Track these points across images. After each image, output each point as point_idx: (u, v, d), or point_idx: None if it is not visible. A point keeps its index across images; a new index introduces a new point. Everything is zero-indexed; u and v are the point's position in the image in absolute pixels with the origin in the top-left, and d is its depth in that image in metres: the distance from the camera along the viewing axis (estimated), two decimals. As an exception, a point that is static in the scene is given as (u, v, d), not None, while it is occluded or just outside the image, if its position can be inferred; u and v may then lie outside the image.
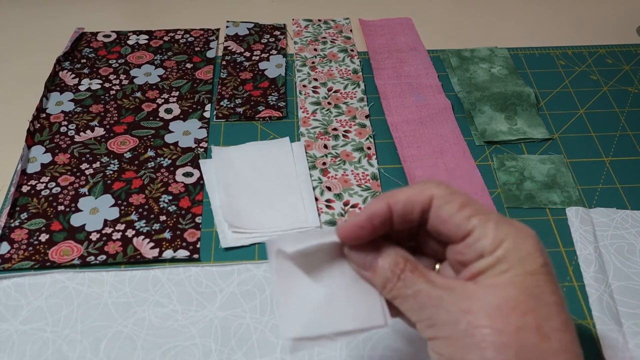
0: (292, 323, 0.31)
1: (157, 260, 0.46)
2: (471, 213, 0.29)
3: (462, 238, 0.29)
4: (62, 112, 0.58)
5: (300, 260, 0.32)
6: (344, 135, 0.56)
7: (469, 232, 0.28)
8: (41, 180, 0.51)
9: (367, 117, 0.58)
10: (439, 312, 0.28)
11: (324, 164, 0.53)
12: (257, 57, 0.65)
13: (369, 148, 0.55)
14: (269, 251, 0.32)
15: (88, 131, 0.56)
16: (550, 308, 0.27)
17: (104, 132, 0.56)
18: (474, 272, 0.28)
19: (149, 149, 0.54)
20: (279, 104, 0.59)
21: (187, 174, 0.52)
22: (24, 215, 0.48)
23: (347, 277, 0.32)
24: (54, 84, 0.61)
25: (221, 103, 0.59)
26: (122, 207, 0.49)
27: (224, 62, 0.64)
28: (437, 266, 0.32)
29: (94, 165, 0.53)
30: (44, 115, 0.57)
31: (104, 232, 0.47)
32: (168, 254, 0.46)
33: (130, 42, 0.67)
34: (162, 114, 0.58)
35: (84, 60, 0.64)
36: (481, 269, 0.28)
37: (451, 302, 0.27)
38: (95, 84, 0.61)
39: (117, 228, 0.48)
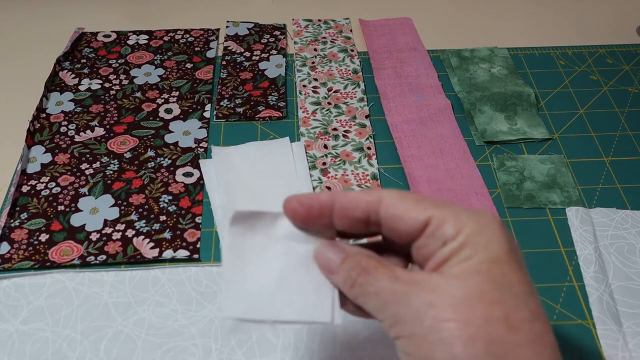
0: (235, 302, 0.30)
1: (157, 260, 0.46)
2: (427, 204, 0.28)
3: (421, 230, 0.28)
4: (62, 112, 0.58)
5: (252, 240, 0.31)
6: (344, 135, 0.56)
7: (428, 221, 0.27)
8: (41, 180, 0.51)
9: (367, 117, 0.58)
10: (403, 309, 0.26)
11: (324, 164, 0.53)
12: (257, 57, 0.65)
13: (369, 148, 0.55)
14: (226, 226, 0.30)
15: (88, 131, 0.56)
16: (518, 298, 0.25)
17: (104, 132, 0.56)
18: (438, 262, 0.27)
19: (149, 149, 0.54)
20: (279, 104, 0.59)
21: (187, 174, 0.52)
22: (24, 215, 0.48)
23: (302, 268, 0.31)
24: (54, 84, 0.61)
25: (221, 103, 0.59)
26: (122, 207, 0.49)
27: (224, 62, 0.64)
28: (410, 265, 0.30)
29: (94, 165, 0.53)
30: (44, 115, 0.57)
31: (104, 232, 0.47)
32: (168, 254, 0.46)
33: (130, 42, 0.67)
34: (162, 114, 0.58)
35: (84, 60, 0.64)
36: (445, 256, 0.27)
37: (415, 297, 0.26)
38: (95, 84, 0.61)
39: (117, 228, 0.48)
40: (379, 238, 0.32)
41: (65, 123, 0.57)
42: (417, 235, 0.28)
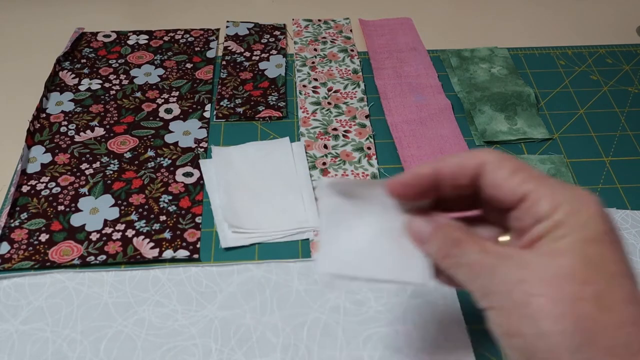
0: (330, 260, 0.32)
1: (157, 260, 0.46)
2: (525, 176, 0.28)
3: (517, 203, 0.28)
4: (62, 112, 0.58)
5: (347, 206, 0.33)
6: (344, 135, 0.56)
7: (524, 195, 0.27)
8: (41, 180, 0.51)
9: (367, 117, 0.58)
10: (493, 281, 0.27)
11: (324, 164, 0.53)
12: (257, 57, 0.65)
13: (369, 148, 0.55)
14: (319, 190, 0.33)
15: (88, 131, 0.56)
16: (614, 278, 0.25)
17: (104, 132, 0.56)
18: (532, 239, 0.27)
19: (149, 149, 0.54)
20: (279, 104, 0.59)
21: (187, 174, 0.52)
22: (24, 215, 0.48)
23: (396, 234, 0.32)
24: (54, 84, 0.61)
25: (221, 103, 0.59)
26: (122, 207, 0.49)
27: (224, 62, 0.64)
28: (503, 238, 0.31)
29: (94, 165, 0.53)
30: (44, 115, 0.57)
31: (104, 232, 0.47)
32: (168, 254, 0.46)
33: (130, 42, 0.67)
34: (162, 114, 0.58)
35: (84, 60, 0.64)
36: (539, 234, 0.27)
37: (505, 271, 0.26)
38: (95, 84, 0.61)
39: (117, 228, 0.48)
40: (474, 213, 0.32)
41: (65, 123, 0.57)
42: (514, 207, 0.28)
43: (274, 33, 0.69)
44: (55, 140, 0.55)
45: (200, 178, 0.52)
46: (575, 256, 0.25)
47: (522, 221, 0.28)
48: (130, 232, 0.47)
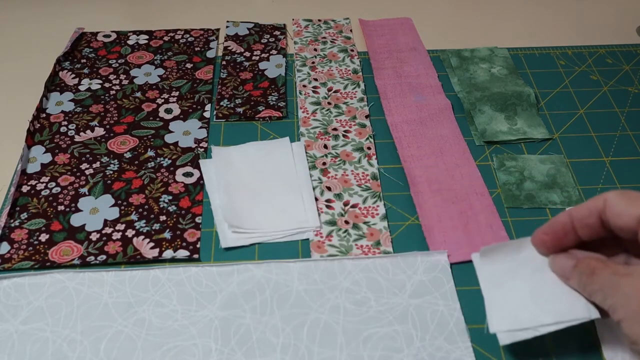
0: (501, 319, 0.37)
1: (157, 260, 0.46)
2: None
3: (637, 226, 0.32)
4: (62, 112, 0.58)
5: (502, 268, 0.39)
6: (344, 135, 0.56)
7: (639, 217, 0.32)
8: (41, 180, 0.51)
9: (367, 117, 0.58)
10: (619, 296, 0.31)
11: (324, 164, 0.53)
12: (257, 57, 0.65)
13: (369, 148, 0.55)
14: (475, 261, 0.40)
15: (88, 131, 0.56)
16: None
17: (104, 132, 0.56)
18: None
19: (149, 149, 0.54)
20: (279, 104, 0.59)
21: (187, 174, 0.52)
22: (24, 215, 0.48)
23: (549, 280, 0.38)
24: (54, 84, 0.61)
25: (221, 103, 0.59)
26: (122, 207, 0.49)
27: (224, 62, 0.64)
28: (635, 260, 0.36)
29: (94, 165, 0.53)
30: (44, 115, 0.57)
31: (104, 232, 0.47)
32: (168, 254, 0.46)
33: (130, 42, 0.67)
34: (162, 114, 0.58)
35: (84, 60, 0.64)
36: None
37: (626, 285, 0.31)
38: (95, 84, 0.61)
39: (117, 228, 0.48)
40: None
41: (65, 123, 0.57)
42: (636, 230, 0.32)
43: (274, 33, 0.69)
44: (55, 140, 0.55)
45: (200, 178, 0.52)
46: None
47: None
48: (130, 232, 0.47)
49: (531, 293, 0.38)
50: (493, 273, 0.40)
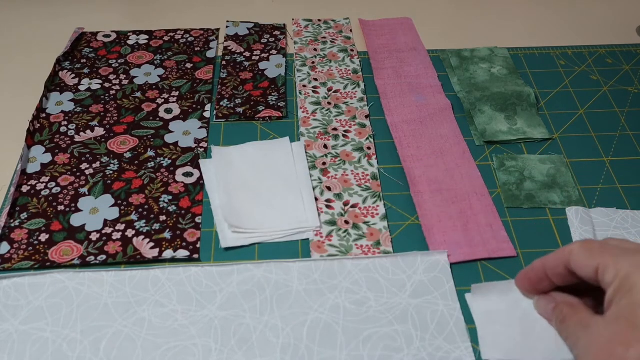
0: (493, 349, 0.40)
1: (157, 260, 0.46)
2: (599, 251, 0.32)
3: (595, 276, 0.32)
4: (62, 112, 0.58)
5: (495, 305, 0.41)
6: (344, 135, 0.56)
7: (597, 268, 0.32)
8: (41, 180, 0.51)
9: (367, 117, 0.58)
10: (580, 347, 0.32)
11: (324, 164, 0.53)
12: (257, 57, 0.65)
13: (369, 148, 0.55)
14: (468, 299, 0.43)
15: (88, 131, 0.56)
16: None
17: (104, 132, 0.56)
18: (607, 305, 0.31)
19: (149, 149, 0.54)
20: (279, 104, 0.59)
21: (187, 174, 0.52)
22: (24, 215, 0.48)
23: (538, 319, 0.39)
24: (54, 84, 0.61)
25: (221, 103, 0.59)
26: (122, 207, 0.49)
27: (224, 62, 0.64)
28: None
29: (94, 165, 0.53)
30: (44, 115, 0.57)
31: (104, 232, 0.47)
32: (168, 254, 0.46)
33: (130, 42, 0.67)
34: (162, 114, 0.58)
35: (84, 60, 0.64)
36: (609, 300, 0.31)
37: (585, 338, 0.31)
38: (95, 84, 0.61)
39: (117, 228, 0.48)
40: None
41: (65, 123, 0.57)
42: (596, 281, 0.32)
43: (274, 33, 0.69)
44: (55, 140, 0.55)
45: (200, 178, 0.52)
46: (625, 321, 0.29)
47: (604, 290, 0.32)
48: (130, 232, 0.47)
49: (522, 332, 0.40)
50: (486, 310, 0.42)
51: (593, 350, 0.30)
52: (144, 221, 0.48)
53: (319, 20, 0.71)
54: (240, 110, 0.58)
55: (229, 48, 0.66)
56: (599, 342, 0.30)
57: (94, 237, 0.47)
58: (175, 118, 0.58)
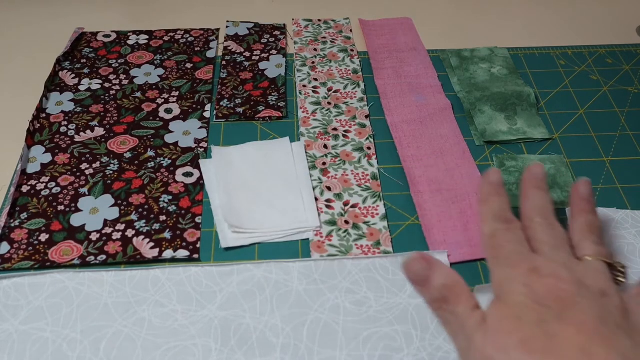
0: None
1: (157, 260, 0.46)
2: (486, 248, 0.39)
3: None
4: (62, 112, 0.58)
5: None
6: (344, 135, 0.56)
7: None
8: (41, 180, 0.51)
9: (367, 117, 0.58)
10: (458, 342, 0.34)
11: (324, 164, 0.53)
12: (257, 57, 0.65)
13: (369, 148, 0.55)
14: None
15: (88, 131, 0.56)
16: None
17: (104, 132, 0.56)
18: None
19: (149, 149, 0.54)
20: (279, 104, 0.59)
21: (187, 174, 0.52)
22: (24, 215, 0.48)
23: None
24: (54, 84, 0.61)
25: (221, 103, 0.59)
26: (122, 207, 0.49)
27: (224, 62, 0.64)
28: None
29: (94, 165, 0.53)
30: (44, 115, 0.57)
31: (104, 232, 0.47)
32: (168, 254, 0.46)
33: (130, 42, 0.67)
34: (162, 114, 0.58)
35: (84, 60, 0.64)
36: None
37: (462, 333, 0.33)
38: (95, 84, 0.61)
39: (117, 228, 0.48)
40: None
41: (65, 123, 0.57)
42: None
43: (274, 33, 0.69)
44: (55, 140, 0.55)
45: (200, 178, 0.52)
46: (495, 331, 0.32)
47: None
48: (130, 232, 0.47)
49: None
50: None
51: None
52: (144, 221, 0.48)
53: (319, 20, 0.71)
54: (240, 110, 0.58)
55: (229, 48, 0.66)
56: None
57: (94, 237, 0.47)
58: (175, 118, 0.58)
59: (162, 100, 0.59)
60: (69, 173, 0.52)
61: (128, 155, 0.54)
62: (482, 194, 0.41)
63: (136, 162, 0.53)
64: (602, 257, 0.36)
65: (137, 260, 0.45)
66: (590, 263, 0.36)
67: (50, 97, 0.60)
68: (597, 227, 0.40)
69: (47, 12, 0.72)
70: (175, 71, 0.63)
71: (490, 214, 0.39)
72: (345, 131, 0.56)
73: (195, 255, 0.46)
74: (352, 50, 0.66)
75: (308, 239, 0.47)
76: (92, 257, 0.45)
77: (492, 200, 0.40)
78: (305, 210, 0.49)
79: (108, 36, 0.68)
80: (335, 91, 0.61)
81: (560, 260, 0.35)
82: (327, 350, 0.40)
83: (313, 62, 0.64)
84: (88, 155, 0.54)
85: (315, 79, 0.62)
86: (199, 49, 0.66)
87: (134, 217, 0.48)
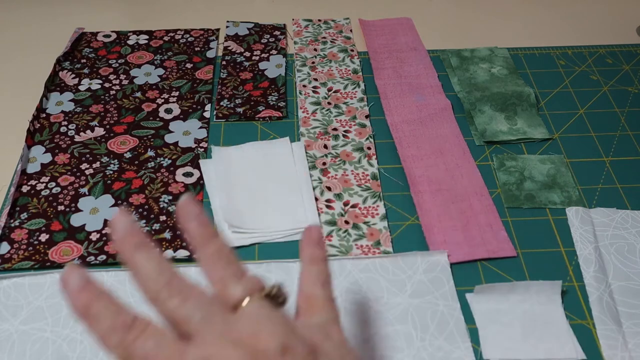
0: (493, 348, 0.40)
1: (157, 260, 0.45)
2: None
3: None
4: (62, 112, 0.58)
5: (496, 305, 0.42)
6: (344, 135, 0.56)
7: None
8: (41, 180, 0.51)
9: (367, 117, 0.58)
10: None
11: (324, 164, 0.53)
12: (257, 57, 0.65)
13: (369, 148, 0.55)
14: (469, 299, 0.43)
15: (88, 131, 0.56)
16: None
17: (104, 132, 0.56)
18: None
19: (149, 149, 0.54)
20: (279, 104, 0.59)
21: (187, 174, 0.52)
22: (24, 215, 0.48)
23: (539, 320, 0.41)
24: (54, 84, 0.61)
25: (221, 103, 0.59)
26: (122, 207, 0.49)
27: (224, 62, 0.64)
28: None
29: (94, 165, 0.53)
30: (44, 115, 0.57)
31: (104, 232, 0.47)
32: (168, 254, 0.46)
33: (130, 42, 0.67)
34: (162, 114, 0.58)
35: (84, 60, 0.64)
36: None
37: None
38: (95, 84, 0.61)
39: (117, 228, 0.47)
40: None
41: (65, 123, 0.57)
42: None
43: (274, 33, 0.69)
44: (55, 140, 0.55)
45: (200, 178, 0.52)
46: None
47: None
48: (130, 232, 0.47)
49: (523, 332, 0.41)
50: (487, 310, 0.42)
51: None
52: (144, 221, 0.48)
53: (319, 20, 0.71)
54: (240, 110, 0.58)
55: (229, 48, 0.66)
56: None
57: (94, 237, 0.47)
58: (175, 118, 0.58)
59: (162, 100, 0.59)
60: (69, 173, 0.52)
61: (128, 155, 0.54)
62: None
63: (136, 162, 0.53)
64: (254, 291, 0.29)
65: (137, 260, 0.45)
66: (248, 312, 0.28)
67: (50, 97, 0.60)
68: (225, 253, 0.30)
69: (47, 12, 0.72)
70: (175, 71, 0.63)
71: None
72: (345, 131, 0.56)
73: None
74: (352, 50, 0.66)
75: (308, 239, 0.47)
76: (92, 257, 0.45)
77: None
78: (305, 210, 0.49)
79: (108, 36, 0.68)
80: (335, 91, 0.61)
81: (217, 332, 0.27)
82: (327, 350, 0.40)
83: (313, 62, 0.64)
84: (88, 155, 0.54)
85: (315, 79, 0.62)
86: (199, 49, 0.66)
87: (134, 217, 0.48)
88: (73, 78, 0.62)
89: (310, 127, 0.57)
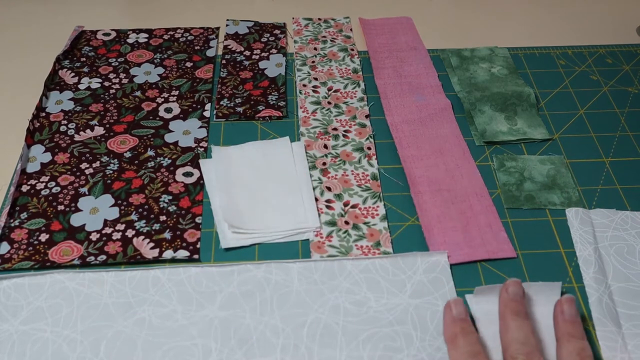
0: (492, 349, 0.40)
1: (157, 261, 0.46)
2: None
3: None
4: (62, 111, 0.58)
5: (495, 306, 0.41)
6: (344, 135, 0.56)
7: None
8: (41, 180, 0.51)
9: (367, 117, 0.58)
10: None
11: (324, 164, 0.53)
12: (257, 56, 0.65)
13: (369, 148, 0.55)
14: (469, 301, 0.42)
15: (88, 130, 0.56)
16: None
17: (104, 131, 0.56)
18: None
19: (149, 149, 0.54)
20: (279, 103, 0.59)
21: (187, 174, 0.52)
22: (24, 215, 0.48)
23: (538, 320, 0.42)
24: (53, 82, 0.61)
25: (221, 102, 0.59)
26: (122, 207, 0.49)
27: (223, 61, 0.64)
28: None
29: (94, 165, 0.53)
30: (44, 114, 0.57)
31: (104, 232, 0.47)
32: (168, 254, 0.46)
33: (130, 41, 0.67)
34: (162, 113, 0.58)
35: (84, 59, 0.64)
36: None
37: None
38: (95, 83, 0.61)
39: (117, 228, 0.47)
40: None
41: (65, 122, 0.57)
42: None
43: (274, 32, 0.69)
44: (55, 140, 0.55)
45: (200, 178, 0.52)
46: None
47: None
48: (130, 232, 0.47)
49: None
50: (487, 311, 0.41)
51: None
52: (144, 221, 0.48)
53: (319, 19, 0.71)
54: (240, 109, 0.58)
55: (229, 47, 0.66)
56: None
57: (94, 237, 0.47)
58: (175, 117, 0.57)
59: (162, 100, 0.59)
60: (69, 172, 0.52)
61: (128, 154, 0.54)
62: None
63: (136, 161, 0.53)
64: None
65: (137, 261, 0.45)
66: None
67: (50, 96, 0.59)
68: (588, 355, 0.36)
69: (46, 10, 0.72)
70: (175, 70, 0.63)
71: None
72: (345, 131, 0.56)
73: (196, 256, 0.46)
74: (352, 50, 0.66)
75: (308, 239, 0.47)
76: (92, 257, 0.45)
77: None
78: (305, 210, 0.49)
79: (108, 34, 0.68)
80: (335, 91, 0.61)
81: None
82: (327, 350, 0.40)
83: (313, 62, 0.64)
84: (88, 155, 0.54)
85: (315, 79, 0.62)
86: (198, 47, 0.66)
87: (134, 217, 0.48)
88: (73, 77, 0.62)
89: (310, 126, 0.57)
